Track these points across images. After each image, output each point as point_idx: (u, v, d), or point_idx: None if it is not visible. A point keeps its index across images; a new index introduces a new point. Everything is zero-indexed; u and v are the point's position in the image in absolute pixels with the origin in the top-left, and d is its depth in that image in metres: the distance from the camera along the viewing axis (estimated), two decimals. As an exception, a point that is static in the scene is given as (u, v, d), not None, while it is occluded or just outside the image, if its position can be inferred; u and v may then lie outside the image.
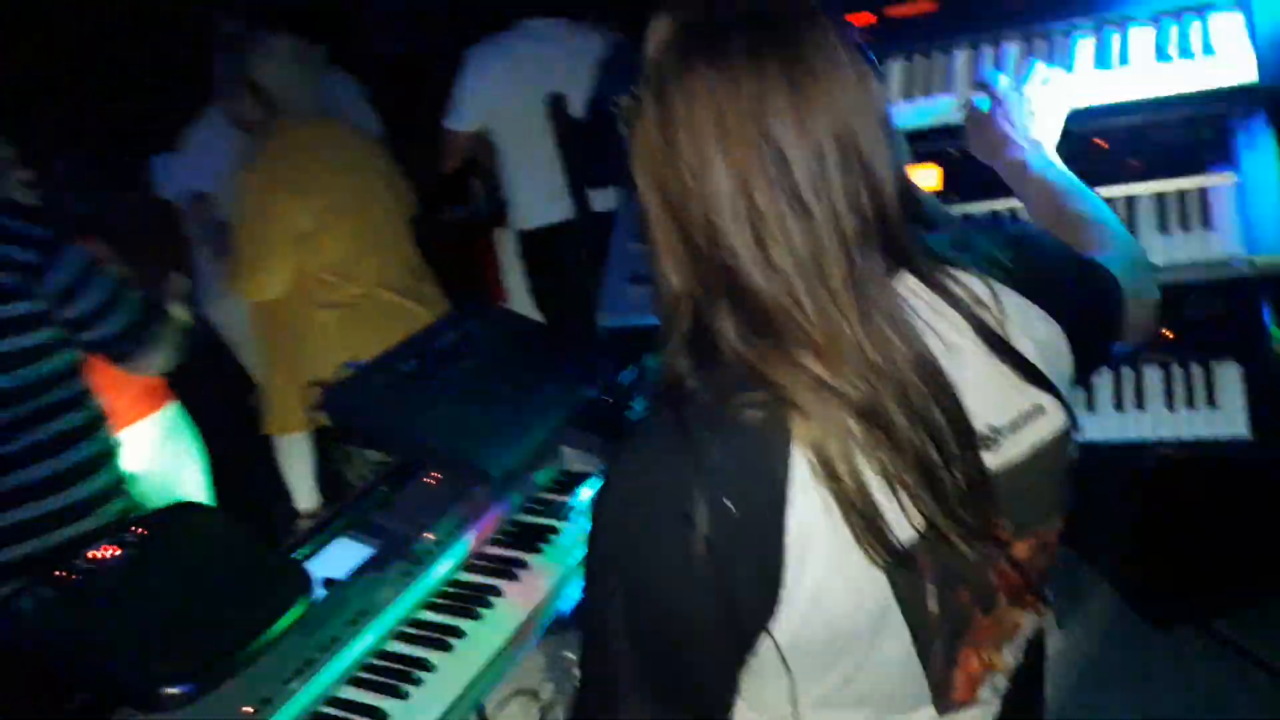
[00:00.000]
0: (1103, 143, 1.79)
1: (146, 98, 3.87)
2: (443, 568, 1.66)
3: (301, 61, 2.75)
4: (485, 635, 1.55)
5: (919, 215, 0.97)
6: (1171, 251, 1.69)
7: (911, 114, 1.79)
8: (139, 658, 1.21)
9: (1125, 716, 2.46)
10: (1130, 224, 1.75)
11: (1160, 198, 1.75)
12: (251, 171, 2.72)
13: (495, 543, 1.75)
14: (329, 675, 1.44)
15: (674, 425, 0.89)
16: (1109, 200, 1.75)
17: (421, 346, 1.85)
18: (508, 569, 1.68)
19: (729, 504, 0.85)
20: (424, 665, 1.48)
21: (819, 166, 0.86)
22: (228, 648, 1.27)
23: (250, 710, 1.33)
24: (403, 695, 1.43)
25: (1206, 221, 1.69)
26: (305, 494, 3.56)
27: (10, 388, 1.85)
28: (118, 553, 1.33)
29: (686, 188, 0.88)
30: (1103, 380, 1.83)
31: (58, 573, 1.28)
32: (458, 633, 1.55)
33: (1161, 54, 1.71)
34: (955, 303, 0.95)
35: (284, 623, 1.32)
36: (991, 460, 0.95)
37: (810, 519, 0.86)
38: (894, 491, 0.87)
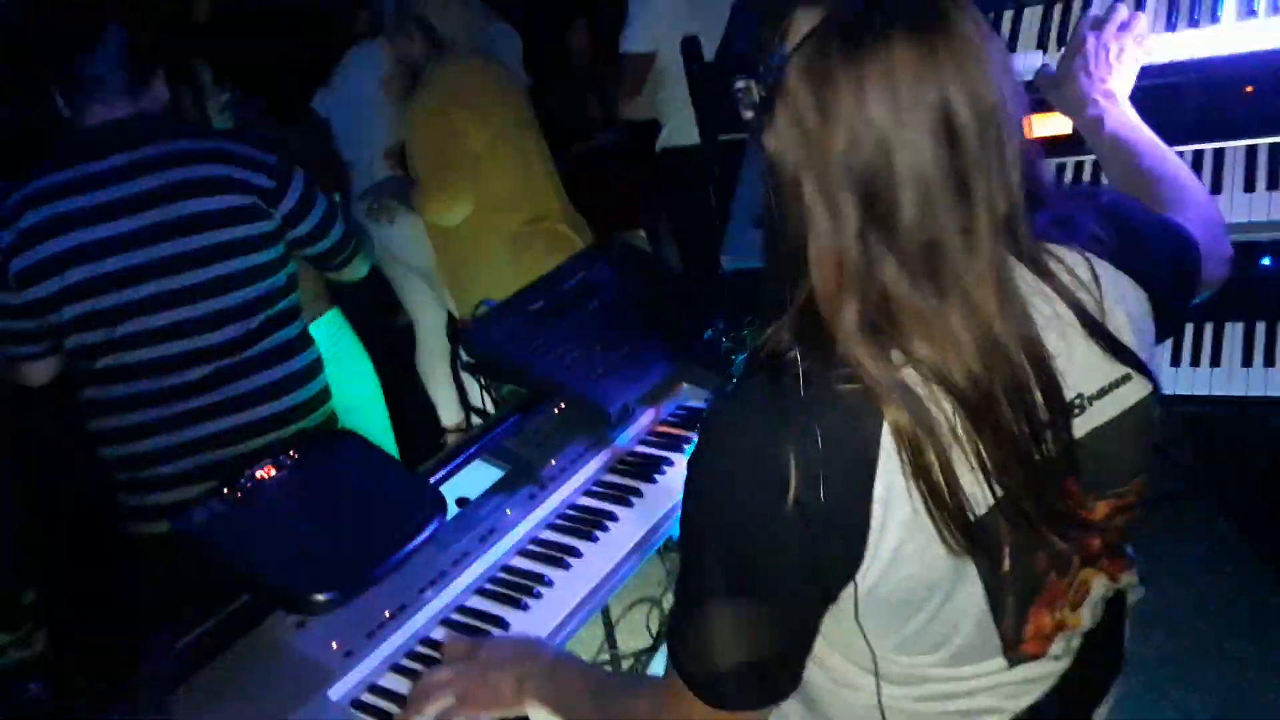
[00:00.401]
0: (1249, 89, 1.72)
1: (300, 35, 4.08)
2: (565, 492, 1.79)
3: (468, 4, 2.91)
4: (599, 557, 1.68)
5: (1033, 193, 0.99)
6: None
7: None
8: (293, 567, 1.39)
9: (1209, 678, 2.46)
10: (1271, 175, 1.68)
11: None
12: (425, 100, 2.93)
13: (615, 470, 1.87)
14: (459, 586, 1.60)
15: (772, 390, 0.95)
16: (1250, 149, 1.71)
17: (551, 287, 1.97)
18: (624, 496, 1.79)
19: (820, 470, 0.91)
20: (543, 581, 1.62)
21: (981, 142, 0.89)
22: (369, 561, 1.43)
23: (388, 615, 1.50)
24: (523, 607, 1.58)
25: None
26: (450, 412, 3.86)
27: (242, 303, 2.05)
28: (277, 473, 1.51)
29: (843, 167, 0.90)
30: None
31: (226, 489, 1.46)
32: (575, 553, 1.68)
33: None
34: (1057, 284, 0.98)
35: (418, 541, 1.47)
36: (1078, 427, 0.99)
37: (895, 490, 0.93)
38: (981, 468, 0.93)
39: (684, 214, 3.87)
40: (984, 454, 0.93)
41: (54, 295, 1.94)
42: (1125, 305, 1.03)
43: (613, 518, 1.75)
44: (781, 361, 0.95)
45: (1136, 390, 1.03)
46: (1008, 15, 1.88)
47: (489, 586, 1.63)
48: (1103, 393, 1.01)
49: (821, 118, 0.90)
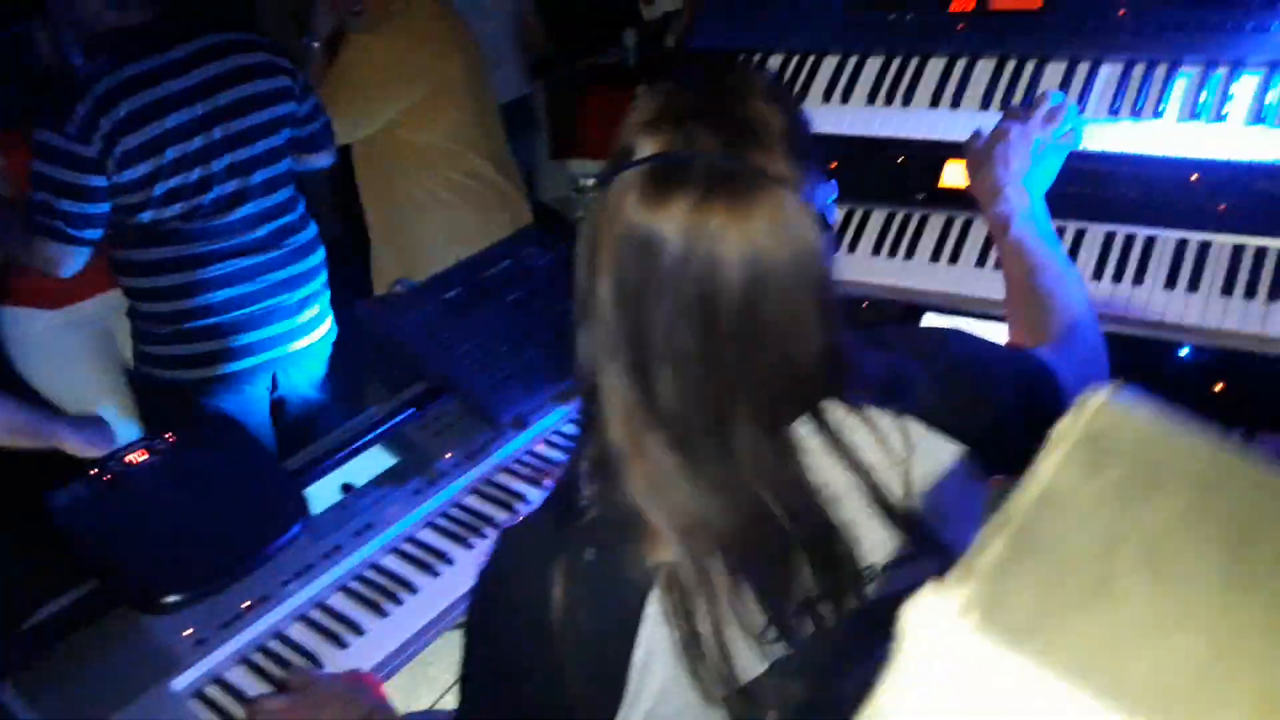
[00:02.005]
0: (1194, 178, 1.65)
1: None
2: (453, 490, 1.80)
3: None
4: (472, 566, 1.70)
5: (841, 363, 0.98)
6: (1226, 320, 1.59)
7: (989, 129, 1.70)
8: (145, 563, 1.41)
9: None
10: (1195, 274, 1.64)
11: (1237, 251, 1.63)
12: (368, 42, 2.83)
13: (510, 471, 1.88)
14: (324, 581, 1.62)
15: (557, 516, 0.97)
16: (1181, 241, 1.66)
17: (471, 273, 1.94)
18: (511, 502, 1.80)
19: (584, 604, 0.93)
20: (408, 587, 1.65)
21: (752, 314, 0.89)
22: (223, 565, 1.45)
23: (247, 605, 1.53)
24: (383, 613, 1.61)
25: (1276, 293, 1.57)
26: None
27: (286, 171, 2.48)
28: (148, 458, 1.52)
29: (609, 316, 0.91)
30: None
31: (93, 471, 1.48)
32: (447, 559, 1.70)
33: (1257, 115, 1.55)
34: (848, 456, 0.96)
35: (274, 548, 1.50)
36: (873, 593, 0.99)
37: (657, 649, 0.93)
38: (753, 634, 0.93)
39: None
40: (756, 619, 0.93)
41: (149, 174, 2.23)
42: (943, 476, 1.02)
43: (494, 524, 1.76)
44: (574, 498, 0.96)
45: (924, 569, 1.02)
46: (960, 64, 1.81)
47: (354, 585, 1.65)
48: (894, 565, 1.01)
49: (596, 266, 0.91)
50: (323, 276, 2.64)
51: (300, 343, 2.61)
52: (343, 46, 2.88)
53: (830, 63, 1.95)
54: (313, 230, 2.60)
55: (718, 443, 0.91)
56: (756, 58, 2.03)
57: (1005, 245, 1.38)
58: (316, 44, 2.92)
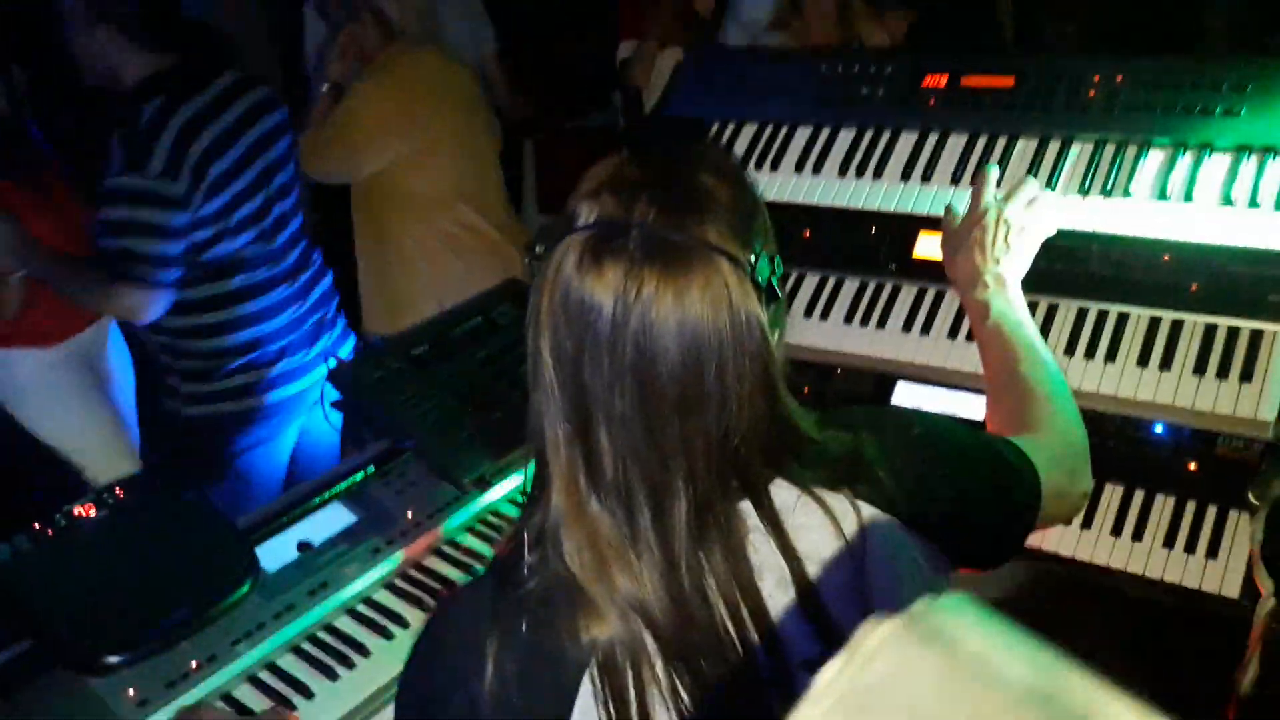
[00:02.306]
0: (1165, 258, 1.66)
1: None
2: (413, 550, 1.76)
3: None
4: (427, 630, 1.65)
5: (792, 439, 0.97)
6: (1199, 399, 1.58)
7: (960, 204, 1.71)
8: (86, 623, 1.36)
9: None
10: (1167, 353, 1.64)
11: (1210, 331, 1.63)
12: (378, 82, 2.87)
13: (474, 532, 1.84)
14: (275, 642, 1.57)
15: (494, 586, 0.95)
16: (1154, 320, 1.66)
17: (439, 329, 1.92)
18: (471, 564, 1.76)
19: (515, 679, 0.90)
20: (362, 650, 1.60)
21: (678, 380, 0.88)
22: (168, 624, 1.40)
23: (195, 665, 1.48)
24: (333, 677, 1.55)
25: (1248, 374, 1.57)
26: None
27: (300, 198, 2.68)
28: (94, 513, 1.48)
29: (556, 384, 0.91)
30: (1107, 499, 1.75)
31: (37, 525, 1.43)
32: (403, 622, 1.65)
33: (1225, 197, 1.57)
34: (783, 541, 0.93)
35: (221, 610, 1.45)
36: (792, 694, 0.95)
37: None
38: (679, 712, 0.90)
39: None
40: (683, 698, 0.89)
41: (230, 201, 2.39)
42: (896, 563, 0.97)
43: (453, 587, 1.72)
44: (515, 561, 0.94)
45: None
46: (931, 139, 1.83)
47: (306, 647, 1.60)
48: (815, 664, 0.97)
49: (539, 330, 0.91)
50: (338, 292, 2.85)
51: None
52: (347, 94, 2.92)
53: (804, 133, 1.97)
54: (320, 251, 2.80)
55: (655, 516, 0.89)
56: (731, 126, 2.05)
57: (983, 332, 1.37)
58: (325, 88, 2.97)
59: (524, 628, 0.91)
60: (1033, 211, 1.42)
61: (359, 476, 1.84)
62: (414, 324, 2.46)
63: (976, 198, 1.46)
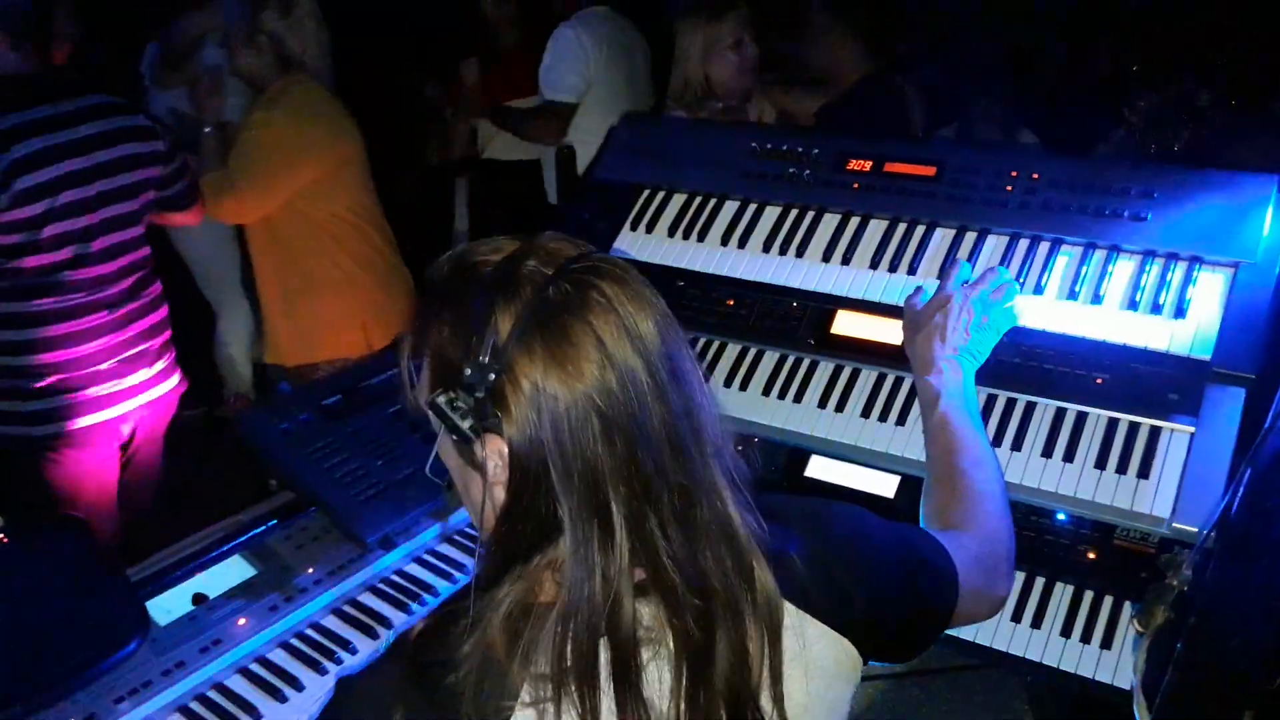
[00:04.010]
0: (1071, 352, 1.71)
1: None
2: (312, 609, 1.71)
3: (322, 26, 2.92)
4: (320, 693, 1.60)
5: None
6: (1099, 493, 1.63)
7: (878, 287, 1.74)
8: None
9: None
10: (1070, 445, 1.68)
11: (1111, 425, 1.68)
12: (273, 113, 2.89)
13: (375, 591, 1.80)
14: (160, 701, 1.51)
15: (404, 676, 0.92)
16: (1060, 410, 1.71)
17: (352, 381, 1.88)
18: (372, 626, 1.72)
19: None
20: (253, 712, 1.54)
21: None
22: (46, 680, 1.34)
23: (71, 725, 1.42)
24: (220, 740, 1.50)
25: (1145, 471, 1.62)
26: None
27: (145, 229, 2.69)
28: (-22, 559, 1.41)
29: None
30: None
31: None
32: (297, 684, 1.60)
33: (1130, 301, 1.63)
34: None
35: (108, 664, 1.39)
36: None
37: None
38: None
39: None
40: None
41: (42, 214, 2.39)
42: (805, 659, 0.98)
43: (351, 649, 1.67)
44: (431, 663, 0.91)
45: None
46: (853, 221, 1.86)
47: (193, 706, 1.54)
48: None
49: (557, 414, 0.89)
50: (169, 327, 2.85)
51: (158, 392, 2.78)
52: (242, 126, 2.92)
53: (731, 207, 1.99)
54: (159, 284, 2.80)
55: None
56: (661, 194, 2.06)
57: (931, 418, 1.39)
58: (207, 130, 3.00)
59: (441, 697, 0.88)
60: (997, 302, 1.45)
61: (260, 530, 1.79)
62: (329, 355, 2.48)
63: (944, 283, 1.48)
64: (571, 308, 0.90)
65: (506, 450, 0.91)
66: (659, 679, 0.91)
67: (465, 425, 0.92)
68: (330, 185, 2.95)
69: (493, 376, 0.89)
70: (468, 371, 0.90)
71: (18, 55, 2.41)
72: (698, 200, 2.02)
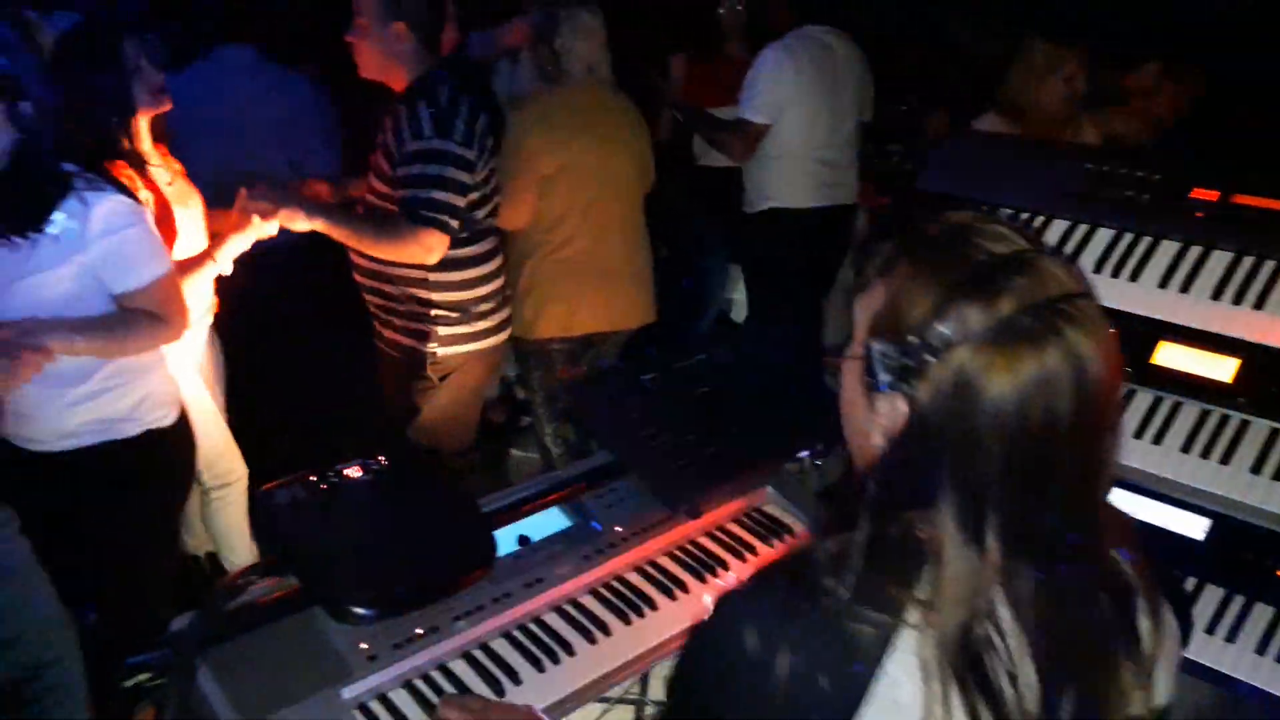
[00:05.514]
0: None
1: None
2: (619, 564, 1.85)
3: (598, 39, 3.15)
4: (627, 640, 1.72)
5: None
6: None
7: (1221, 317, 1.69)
8: (343, 574, 1.50)
9: None
10: None
11: None
12: (514, 122, 3.14)
13: (673, 556, 1.92)
14: (491, 625, 1.68)
15: (786, 593, 0.98)
16: None
17: (667, 362, 2.02)
18: (670, 587, 1.84)
19: (806, 681, 0.93)
20: (568, 648, 1.69)
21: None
22: (411, 592, 1.53)
23: (420, 632, 1.60)
24: (540, 668, 1.65)
25: None
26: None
27: None
28: (361, 475, 1.62)
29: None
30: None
31: (313, 478, 1.58)
32: (606, 629, 1.74)
33: None
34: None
35: (462, 586, 1.56)
36: None
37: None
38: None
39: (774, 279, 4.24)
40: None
41: (488, 175, 2.91)
42: None
43: (652, 605, 1.79)
44: (813, 578, 0.96)
45: None
46: (1193, 251, 1.80)
47: (517, 635, 1.70)
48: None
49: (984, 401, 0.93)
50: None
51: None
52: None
53: (1060, 226, 1.98)
54: None
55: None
56: (985, 209, 2.08)
57: None
58: None
59: (814, 652, 0.94)
60: None
61: (577, 486, 1.95)
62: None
63: None
64: (1034, 340, 0.92)
65: (905, 412, 0.96)
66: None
67: (883, 379, 0.97)
68: (555, 185, 3.17)
69: (930, 358, 0.94)
70: (911, 339, 0.95)
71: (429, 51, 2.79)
72: (1024, 217, 2.03)
